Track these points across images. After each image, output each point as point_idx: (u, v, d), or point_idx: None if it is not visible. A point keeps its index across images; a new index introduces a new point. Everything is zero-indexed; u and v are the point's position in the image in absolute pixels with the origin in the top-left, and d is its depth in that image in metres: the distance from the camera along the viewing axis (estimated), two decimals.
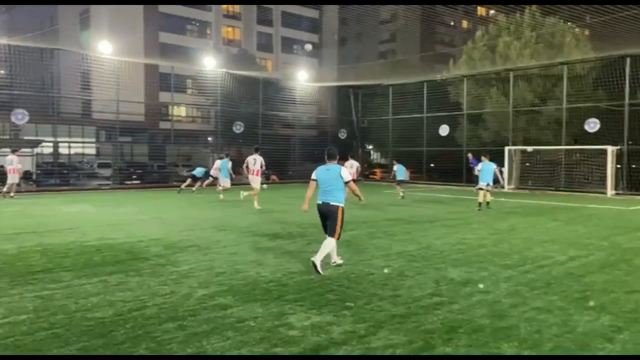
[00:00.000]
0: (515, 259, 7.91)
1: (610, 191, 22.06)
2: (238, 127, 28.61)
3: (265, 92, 30.09)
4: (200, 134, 36.65)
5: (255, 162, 15.62)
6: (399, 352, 4.15)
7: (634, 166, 23.18)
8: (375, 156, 40.82)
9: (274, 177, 31.66)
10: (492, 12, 40.29)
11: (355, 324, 4.81)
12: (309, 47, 33.65)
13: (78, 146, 31.58)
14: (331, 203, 7.07)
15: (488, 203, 15.56)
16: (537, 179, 25.56)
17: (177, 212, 14.14)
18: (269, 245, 8.92)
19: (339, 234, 7.12)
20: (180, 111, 40.41)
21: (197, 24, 50.29)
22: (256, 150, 16.04)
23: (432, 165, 30.61)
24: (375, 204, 17.46)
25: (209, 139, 35.72)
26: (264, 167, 16.13)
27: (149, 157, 30.47)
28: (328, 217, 7.11)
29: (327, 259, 7.15)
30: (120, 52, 24.63)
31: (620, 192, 22.40)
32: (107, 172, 27.82)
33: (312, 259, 6.89)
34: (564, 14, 28.83)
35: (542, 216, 13.96)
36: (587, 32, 29.37)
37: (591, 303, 5.55)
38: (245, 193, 15.99)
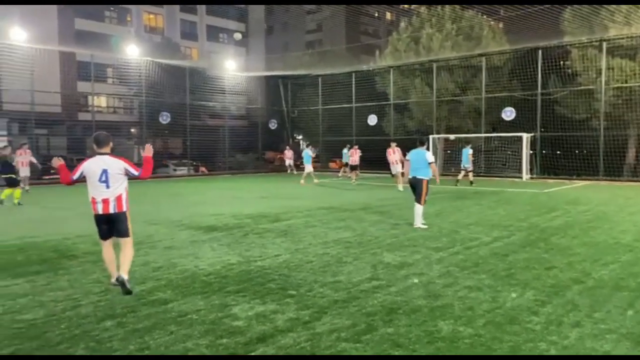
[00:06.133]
0: (444, 242, 8.31)
1: (525, 175, 23.56)
2: (164, 118, 27.73)
3: (192, 82, 29.32)
4: (123, 125, 35.16)
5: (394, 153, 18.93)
6: (343, 335, 4.27)
7: (544, 152, 24.91)
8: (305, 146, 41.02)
9: (202, 169, 31.07)
10: (414, 5, 41.49)
11: (298, 311, 4.88)
12: (238, 36, 32.97)
13: None
14: (418, 177, 9.62)
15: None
16: (459, 165, 26.81)
17: None
18: (205, 238, 8.79)
19: (424, 200, 9.61)
20: (100, 101, 38.50)
21: (116, 11, 47.87)
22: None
23: (361, 154, 31.19)
24: (309, 193, 17.64)
25: (132, 130, 34.35)
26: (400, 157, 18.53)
27: (68, 150, 28.85)
28: (415, 187, 9.66)
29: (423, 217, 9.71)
30: (33, 40, 23.06)
31: (534, 176, 24.00)
32: None
33: (414, 225, 9.59)
34: (481, 8, 30.30)
35: (466, 200, 14.70)
36: (501, 25, 31.05)
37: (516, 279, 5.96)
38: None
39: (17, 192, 14.43)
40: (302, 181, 21.44)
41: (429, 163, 9.60)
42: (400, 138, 28.87)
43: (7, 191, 14.39)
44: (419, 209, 9.63)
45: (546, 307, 4.97)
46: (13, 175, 14.44)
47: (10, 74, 23.37)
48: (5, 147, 15.37)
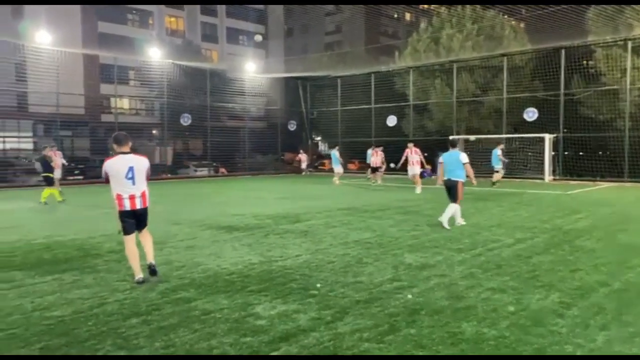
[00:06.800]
0: (466, 243, 8.24)
1: (547, 177, 23.22)
2: (185, 119, 28.04)
3: (212, 84, 29.62)
4: (144, 127, 35.62)
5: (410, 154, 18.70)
6: (366, 335, 4.27)
7: (567, 153, 24.51)
8: (323, 147, 41.07)
9: (222, 170, 31.31)
10: (434, 5, 41.24)
11: (320, 311, 4.90)
12: (259, 38, 33.27)
13: (13, 141, 29.96)
14: (452, 179, 9.71)
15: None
16: (479, 166, 26.50)
17: None
18: (226, 238, 8.87)
19: (459, 200, 9.72)
20: (122, 103, 39.06)
21: (138, 14, 48.53)
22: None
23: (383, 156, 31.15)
24: (329, 194, 17.65)
25: (154, 131, 34.80)
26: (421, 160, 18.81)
27: (91, 151, 29.33)
28: (451, 189, 9.75)
29: (452, 221, 9.75)
30: (56, 43, 23.53)
31: (557, 177, 23.64)
32: None
33: (439, 219, 9.72)
34: (502, 7, 29.97)
35: (487, 202, 14.55)
36: (522, 25, 30.67)
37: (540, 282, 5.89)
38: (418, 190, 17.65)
39: (46, 191, 14.81)
40: (335, 179, 22.01)
41: (464, 164, 9.64)
42: (420, 139, 28.76)
43: (54, 191, 14.89)
44: (452, 207, 9.72)
45: (572, 309, 4.90)
46: (50, 175, 15.00)
47: (36, 77, 23.88)
48: (45, 147, 15.95)
